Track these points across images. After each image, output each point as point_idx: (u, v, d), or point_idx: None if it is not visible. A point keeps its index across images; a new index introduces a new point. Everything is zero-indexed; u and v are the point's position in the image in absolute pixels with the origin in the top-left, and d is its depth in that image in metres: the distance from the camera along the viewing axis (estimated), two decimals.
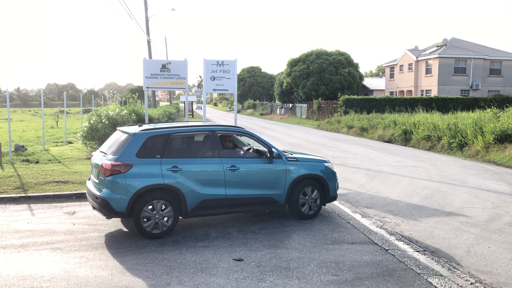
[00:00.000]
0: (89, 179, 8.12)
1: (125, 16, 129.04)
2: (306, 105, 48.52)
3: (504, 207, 9.41)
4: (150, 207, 7.12)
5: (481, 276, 5.89)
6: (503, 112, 20.15)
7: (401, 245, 7.03)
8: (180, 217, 7.51)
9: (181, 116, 49.58)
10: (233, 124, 11.71)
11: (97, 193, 7.16)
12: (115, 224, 8.00)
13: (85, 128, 17.34)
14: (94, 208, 7.51)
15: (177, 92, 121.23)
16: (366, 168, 14.63)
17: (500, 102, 32.76)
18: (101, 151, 7.79)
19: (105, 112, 18.42)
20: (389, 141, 23.52)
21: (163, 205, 7.20)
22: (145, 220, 7.11)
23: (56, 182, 11.03)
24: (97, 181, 7.37)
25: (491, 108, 20.59)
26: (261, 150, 8.44)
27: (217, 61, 14.26)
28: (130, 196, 6.96)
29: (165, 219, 7.25)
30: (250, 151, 8.65)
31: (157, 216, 7.15)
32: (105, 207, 7.02)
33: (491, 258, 6.50)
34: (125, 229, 7.73)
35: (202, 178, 7.49)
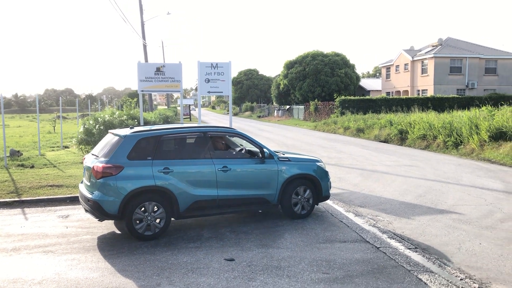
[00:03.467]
0: (81, 182, 8.13)
1: (122, 21, 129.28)
2: (303, 106, 48.60)
3: (496, 204, 9.44)
4: (142, 209, 7.14)
5: (471, 271, 5.91)
6: (498, 110, 20.21)
7: (393, 242, 7.06)
8: (172, 219, 7.52)
9: (179, 119, 49.60)
10: (225, 125, 11.73)
11: (89, 195, 7.18)
12: (108, 226, 8.01)
13: (80, 133, 17.33)
14: (86, 211, 7.53)
15: (175, 95, 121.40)
16: (361, 167, 14.66)
17: (496, 100, 32.83)
18: (92, 154, 7.82)
19: (100, 116, 18.43)
20: (385, 141, 23.56)
21: (155, 207, 7.21)
22: (137, 222, 7.13)
23: (51, 186, 11.04)
24: (89, 183, 7.39)
25: (486, 107, 20.64)
26: (253, 151, 8.46)
27: (211, 64, 14.27)
28: (121, 198, 6.98)
29: (157, 220, 7.26)
30: (242, 151, 8.67)
31: (149, 217, 7.17)
32: (97, 210, 7.04)
33: (482, 254, 6.53)
34: (118, 231, 7.75)
35: (194, 179, 7.51)
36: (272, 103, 66.04)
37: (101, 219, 7.33)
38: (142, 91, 14.56)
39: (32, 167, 14.19)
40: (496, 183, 11.69)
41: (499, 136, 17.03)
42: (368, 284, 5.43)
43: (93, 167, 7.17)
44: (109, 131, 8.28)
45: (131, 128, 7.98)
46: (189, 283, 5.46)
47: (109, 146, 7.48)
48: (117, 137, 7.55)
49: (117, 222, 8.05)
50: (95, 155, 7.63)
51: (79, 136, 17.21)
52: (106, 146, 7.59)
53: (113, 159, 7.14)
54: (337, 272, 5.80)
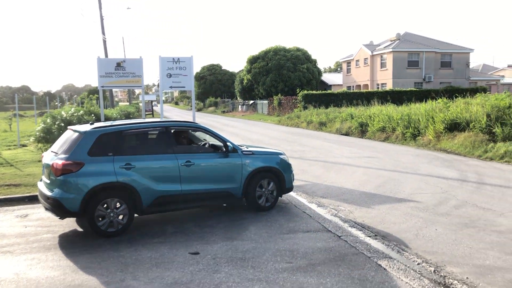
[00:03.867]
0: (40, 180, 7.94)
1: (81, 16, 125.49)
2: (267, 101, 48.81)
3: (451, 192, 9.85)
4: (104, 205, 7.04)
5: (427, 256, 6.17)
6: (453, 102, 20.98)
7: (354, 231, 7.26)
8: (136, 215, 7.46)
9: (141, 116, 48.80)
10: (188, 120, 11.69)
11: (49, 193, 7.03)
12: (70, 224, 7.86)
13: (39, 131, 16.82)
14: (46, 209, 7.36)
15: (137, 91, 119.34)
16: (323, 160, 14.93)
17: (451, 93, 33.96)
18: (52, 151, 7.64)
19: (59, 113, 17.94)
20: (347, 134, 24.04)
21: (118, 203, 7.14)
22: (99, 219, 7.03)
23: (8, 185, 10.70)
24: (48, 181, 7.23)
25: (442, 99, 21.38)
26: (217, 145, 8.49)
27: (173, 58, 14.14)
28: (83, 195, 6.86)
29: (120, 217, 7.19)
30: (206, 146, 8.68)
31: (111, 214, 7.08)
32: (58, 207, 6.90)
33: (437, 240, 6.82)
34: (80, 229, 7.62)
35: (157, 175, 7.47)
36: (236, 98, 66.01)
37: (62, 217, 7.19)
38: (103, 87, 14.28)
39: None
40: (451, 172, 12.18)
41: (454, 127, 17.70)
42: (330, 271, 5.58)
43: (52, 164, 7.02)
44: (69, 127, 8.11)
45: (91, 124, 7.84)
46: (153, 277, 5.45)
47: (69, 142, 7.33)
48: (77, 133, 7.40)
49: (79, 220, 7.90)
50: (54, 152, 7.46)
51: (37, 134, 16.71)
52: (65, 143, 7.43)
53: (73, 156, 7.00)
54: (300, 261, 5.93)
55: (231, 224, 7.77)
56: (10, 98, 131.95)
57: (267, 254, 6.23)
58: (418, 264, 5.88)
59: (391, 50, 44.92)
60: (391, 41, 48.58)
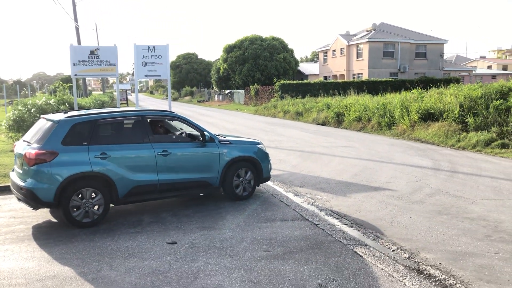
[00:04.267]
0: (12, 170, 7.76)
1: (52, 2, 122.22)
2: (243, 91, 48.71)
3: (425, 180, 10.05)
4: (79, 195, 6.93)
5: (402, 243, 6.30)
6: (427, 92, 21.34)
7: (330, 219, 7.35)
8: (112, 205, 7.37)
9: (115, 105, 48.08)
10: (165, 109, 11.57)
11: (22, 183, 6.87)
12: (43, 215, 7.71)
13: (9, 119, 16.37)
14: (19, 199, 7.20)
15: (110, 80, 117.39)
16: (300, 149, 15.02)
17: (425, 83, 34.58)
18: (24, 140, 7.45)
19: (31, 102, 17.49)
20: (323, 123, 24.22)
21: (93, 193, 7.03)
22: (74, 209, 6.91)
23: None
24: (21, 171, 7.06)
25: (416, 89, 21.73)
26: (194, 134, 8.43)
27: (148, 46, 13.92)
28: (57, 185, 6.73)
29: (96, 207, 7.09)
30: (182, 135, 8.61)
31: (87, 204, 6.97)
32: (31, 198, 6.75)
33: (412, 227, 6.96)
34: (54, 220, 7.48)
35: (133, 164, 7.38)
36: (213, 87, 65.66)
37: (35, 207, 7.04)
38: (76, 75, 14.00)
39: None
40: (425, 161, 12.42)
41: (428, 116, 18.02)
42: (308, 259, 5.64)
43: (25, 154, 6.85)
44: (42, 116, 7.91)
45: (65, 112, 7.67)
46: (131, 267, 5.41)
47: (42, 131, 7.16)
48: (50, 122, 7.24)
49: (53, 211, 7.75)
50: (27, 142, 7.28)
51: (9, 122, 16.26)
52: (38, 132, 7.26)
53: (47, 145, 6.85)
54: (278, 249, 5.98)
55: (208, 213, 7.75)
56: None
57: (244, 243, 6.25)
58: (393, 251, 6.00)
59: (367, 40, 45.30)
60: (367, 31, 48.97)
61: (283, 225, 7.06)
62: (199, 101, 62.19)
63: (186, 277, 5.12)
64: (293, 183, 10.04)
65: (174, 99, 70.75)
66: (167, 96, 15.85)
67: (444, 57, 51.89)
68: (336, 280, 5.02)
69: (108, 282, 5.00)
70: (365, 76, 44.94)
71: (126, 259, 5.67)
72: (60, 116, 7.38)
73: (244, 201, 8.49)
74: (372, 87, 36.81)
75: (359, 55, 47.28)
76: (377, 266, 5.42)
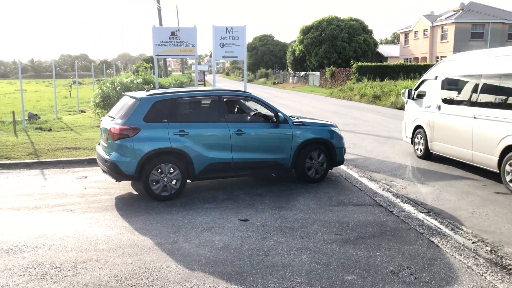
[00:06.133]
0: (98, 144, 8.28)
1: None
2: (318, 73, 48.00)
3: None
4: (159, 170, 7.26)
5: (483, 235, 5.94)
6: None
7: (406, 207, 7.10)
8: (188, 180, 7.65)
9: (193, 85, 49.56)
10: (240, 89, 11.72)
11: (107, 156, 7.32)
12: (125, 187, 8.19)
13: (96, 96, 17.44)
14: (104, 171, 7.69)
15: (189, 62, 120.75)
16: (376, 134, 14.59)
17: None
18: (109, 116, 7.92)
19: (116, 80, 18.50)
20: (402, 108, 23.24)
21: (171, 168, 7.33)
22: (153, 183, 7.27)
23: (68, 148, 11.25)
24: (106, 145, 7.52)
25: None
26: (268, 115, 8.47)
27: (226, 28, 14.10)
28: (138, 159, 7.10)
29: (173, 182, 7.40)
30: (257, 116, 8.69)
31: (165, 179, 7.30)
32: (115, 170, 7.18)
33: (496, 219, 6.54)
34: (135, 192, 7.92)
35: (209, 142, 7.59)
36: (287, 69, 65.39)
37: (118, 179, 7.49)
38: (157, 55, 14.52)
39: (50, 130, 14.43)
40: None
41: None
42: (380, 245, 5.50)
43: (110, 129, 7.28)
44: (125, 93, 8.34)
45: (147, 91, 8.03)
46: (204, 241, 5.60)
47: (126, 108, 7.56)
48: (133, 100, 7.61)
49: (134, 183, 8.21)
50: (111, 117, 7.72)
51: (96, 99, 17.34)
52: (122, 109, 7.67)
53: (130, 121, 7.22)
54: (349, 234, 5.89)
55: (280, 194, 7.80)
56: (69, 65, 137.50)
57: (316, 225, 6.22)
58: (473, 242, 5.67)
59: (453, 21, 42.63)
60: (454, 11, 46.04)
61: (356, 209, 6.93)
62: (273, 83, 62.30)
63: (257, 254, 5.21)
64: (368, 168, 9.80)
65: (249, 81, 71.46)
66: (242, 77, 15.96)
67: None
68: (410, 268, 4.86)
69: (183, 253, 5.22)
70: None
71: (201, 233, 5.87)
72: (142, 93, 7.74)
73: (317, 183, 8.44)
74: None
75: (443, 36, 44.67)
76: (455, 257, 5.16)
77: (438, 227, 6.17)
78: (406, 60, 50.98)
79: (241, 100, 9.01)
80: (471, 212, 6.86)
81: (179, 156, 7.39)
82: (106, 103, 17.01)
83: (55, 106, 19.50)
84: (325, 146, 8.57)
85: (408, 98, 11.31)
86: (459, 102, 9.29)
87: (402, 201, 7.38)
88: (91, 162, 10.09)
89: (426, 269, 4.84)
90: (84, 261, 5.01)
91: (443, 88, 9.91)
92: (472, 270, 4.85)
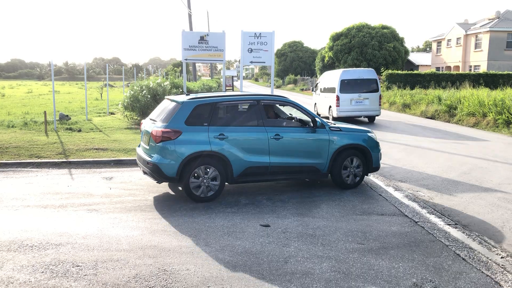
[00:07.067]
0: (139, 146, 8.43)
1: None
2: None
3: None
4: (199, 172, 7.34)
5: None
6: None
7: (432, 218, 6.91)
8: (226, 183, 7.70)
9: (221, 90, 49.87)
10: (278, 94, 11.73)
11: (148, 158, 7.44)
12: (150, 189, 8.27)
13: (126, 98, 17.75)
14: (145, 173, 7.82)
15: (219, 67, 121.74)
16: (404, 143, 14.32)
17: None
18: (150, 119, 8.07)
19: (145, 84, 18.80)
20: (432, 117, 22.81)
21: (211, 171, 7.41)
22: (194, 185, 7.35)
23: (96, 149, 11.46)
24: (147, 147, 7.64)
25: None
26: (304, 120, 8.49)
27: (255, 33, 14.15)
28: (179, 161, 7.19)
29: (213, 184, 7.45)
30: (294, 120, 8.70)
31: (205, 181, 7.37)
32: (156, 172, 7.28)
33: None
34: (159, 195, 7.98)
35: (247, 146, 7.63)
36: (316, 76, 65.09)
37: (159, 181, 7.59)
38: (186, 59, 14.68)
39: (80, 131, 14.75)
40: None
41: None
42: (404, 256, 5.36)
43: (152, 131, 7.40)
44: (166, 97, 8.49)
45: (187, 94, 8.20)
46: (224, 245, 5.58)
47: (167, 111, 7.68)
48: (174, 103, 7.74)
49: (158, 186, 8.28)
50: (153, 120, 7.87)
51: (125, 101, 17.65)
52: (163, 112, 7.80)
53: (172, 124, 7.34)
54: (372, 243, 5.76)
55: (302, 201, 7.72)
56: (102, 68, 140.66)
57: (338, 233, 6.12)
58: (502, 257, 5.47)
59: (488, 29, 41.60)
60: (489, 19, 44.95)
61: (380, 219, 6.79)
62: (302, 89, 62.06)
63: (277, 260, 5.15)
64: (394, 178, 9.61)
65: (277, 87, 71.47)
66: (270, 83, 15.98)
67: None
68: (434, 281, 4.71)
69: (202, 257, 5.21)
70: (483, 69, 41.42)
71: (221, 237, 5.86)
72: (183, 97, 7.87)
73: (340, 191, 8.32)
74: (490, 81, 33.82)
75: (477, 45, 43.64)
76: (482, 272, 4.97)
77: (465, 240, 5.97)
78: (437, 68, 50.03)
79: (276, 105, 9.04)
80: (501, 226, 6.62)
81: (219, 159, 7.45)
82: (134, 106, 17.30)
83: (85, 108, 19.94)
84: (362, 152, 8.48)
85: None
86: None
87: (428, 212, 7.19)
88: (118, 163, 10.24)
89: (450, 283, 4.68)
90: (105, 260, 5.07)
91: None
92: (500, 286, 4.67)
